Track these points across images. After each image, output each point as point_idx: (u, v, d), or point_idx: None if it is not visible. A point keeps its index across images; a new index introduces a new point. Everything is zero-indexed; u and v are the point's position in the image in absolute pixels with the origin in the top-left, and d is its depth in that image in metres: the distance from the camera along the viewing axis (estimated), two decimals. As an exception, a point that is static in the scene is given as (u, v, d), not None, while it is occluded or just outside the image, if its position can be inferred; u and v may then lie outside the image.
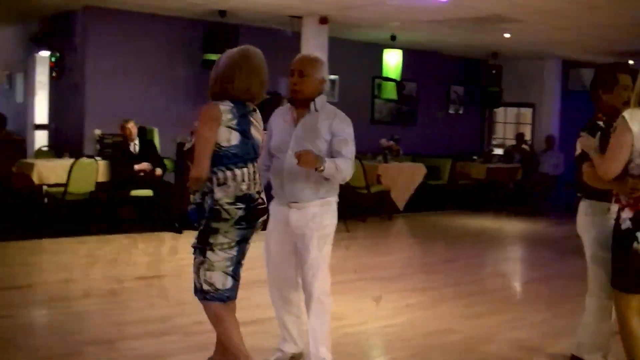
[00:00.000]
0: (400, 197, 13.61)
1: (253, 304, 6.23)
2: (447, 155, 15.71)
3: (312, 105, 4.74)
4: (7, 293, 7.22)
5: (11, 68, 16.10)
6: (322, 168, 4.53)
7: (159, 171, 11.05)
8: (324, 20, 12.45)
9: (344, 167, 4.63)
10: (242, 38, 12.64)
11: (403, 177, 13.65)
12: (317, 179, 4.68)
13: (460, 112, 18.12)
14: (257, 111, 4.64)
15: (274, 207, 4.91)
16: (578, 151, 4.94)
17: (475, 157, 16.39)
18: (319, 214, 4.77)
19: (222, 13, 12.33)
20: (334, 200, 4.86)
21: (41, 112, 14.81)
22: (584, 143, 4.78)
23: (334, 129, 4.71)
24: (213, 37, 12.57)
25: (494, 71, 16.84)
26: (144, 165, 10.94)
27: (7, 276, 8.08)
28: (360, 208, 12.65)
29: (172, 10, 12.59)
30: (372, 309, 6.92)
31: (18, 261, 8.82)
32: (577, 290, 5.46)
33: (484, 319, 6.69)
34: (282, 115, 4.94)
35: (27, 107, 15.12)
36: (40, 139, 14.78)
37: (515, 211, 14.80)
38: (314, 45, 12.47)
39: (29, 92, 15.06)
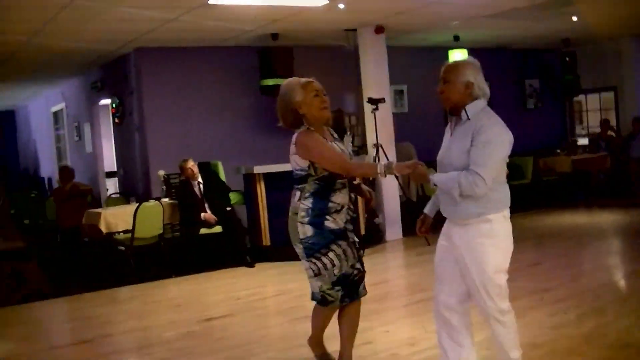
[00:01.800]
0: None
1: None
2: (529, 153, 15.06)
3: (463, 114, 4.42)
4: (69, 349, 7.09)
5: (79, 119, 16.20)
6: (432, 183, 4.39)
7: (214, 218, 10.70)
8: (379, 29, 12.04)
9: (466, 182, 4.23)
10: (297, 59, 12.38)
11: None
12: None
13: (539, 105, 17.39)
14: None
15: (445, 224, 4.65)
16: None
17: (558, 151, 15.67)
18: (481, 230, 4.40)
19: (275, 36, 12.05)
20: (500, 216, 4.43)
21: (110, 159, 14.81)
22: None
23: (474, 139, 4.31)
24: (268, 61, 12.27)
25: (567, 59, 16.11)
26: (209, 218, 10.62)
27: (70, 332, 8.02)
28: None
29: (222, 40, 12.40)
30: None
31: (87, 314, 8.67)
32: None
33: (568, 328, 6.10)
34: (448, 127, 4.64)
35: (96, 155, 15.20)
36: (112, 186, 14.78)
37: (608, 202, 14.02)
38: (372, 56, 12.10)
39: (97, 140, 15.13)
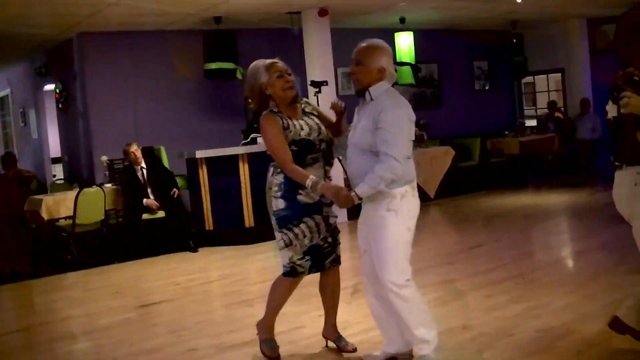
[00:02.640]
0: (430, 184, 13.12)
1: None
2: (477, 134, 15.14)
3: (367, 95, 4.60)
4: (6, 338, 6.97)
5: (24, 104, 15.99)
6: (357, 199, 4.57)
7: (157, 205, 10.59)
8: (323, 12, 11.99)
9: (381, 171, 4.42)
10: (242, 43, 12.30)
11: (430, 163, 13.14)
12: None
13: (487, 87, 17.46)
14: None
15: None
16: (613, 114, 4.40)
17: (507, 132, 15.76)
18: (384, 206, 4.56)
19: (217, 19, 11.94)
20: (402, 191, 4.56)
21: (55, 145, 14.65)
22: (634, 104, 4.18)
23: (377, 121, 4.47)
24: (213, 45, 12.15)
25: (515, 40, 16.20)
26: (151, 204, 10.53)
27: (12, 319, 8.02)
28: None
29: (166, 24, 12.28)
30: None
31: (28, 301, 8.68)
32: (615, 262, 4.79)
33: (503, 310, 6.13)
34: (357, 107, 4.82)
35: (42, 141, 15.01)
36: (59, 172, 14.64)
37: (557, 183, 14.13)
38: (317, 39, 12.07)
39: (42, 126, 14.94)
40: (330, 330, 5.38)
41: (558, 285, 6.89)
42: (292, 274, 5.03)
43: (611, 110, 4.43)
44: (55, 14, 10.76)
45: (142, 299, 7.94)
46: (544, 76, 17.88)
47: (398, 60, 14.19)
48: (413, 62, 14.22)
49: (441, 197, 13.14)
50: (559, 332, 5.37)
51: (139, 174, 10.62)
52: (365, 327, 5.77)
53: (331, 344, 5.41)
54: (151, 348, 5.99)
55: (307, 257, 5.00)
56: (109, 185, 10.92)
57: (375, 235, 4.65)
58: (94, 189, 10.39)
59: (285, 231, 4.94)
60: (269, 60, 5.02)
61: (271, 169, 5.04)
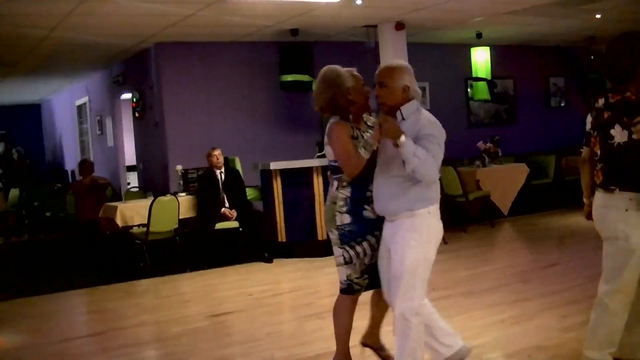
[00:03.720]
0: (503, 201, 12.93)
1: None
2: (552, 151, 14.91)
3: (398, 114, 4.62)
4: (80, 342, 7.14)
5: (101, 113, 16.27)
6: (401, 140, 4.38)
7: (233, 213, 10.69)
8: (399, 26, 11.96)
9: (423, 157, 4.39)
10: (317, 55, 12.33)
11: (504, 180, 12.96)
12: (404, 191, 4.58)
13: (562, 104, 17.20)
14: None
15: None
16: (622, 139, 4.37)
17: (582, 150, 15.41)
18: (406, 227, 4.58)
19: (294, 32, 11.99)
20: (425, 212, 4.61)
21: (131, 153, 14.87)
22: None
23: (419, 132, 4.51)
24: (288, 57, 12.21)
25: (592, 57, 15.89)
26: (228, 212, 10.62)
27: (84, 324, 8.20)
28: (460, 217, 12.04)
29: (242, 35, 12.38)
30: (455, 329, 6.34)
31: (100, 307, 8.75)
32: None
33: (577, 331, 5.95)
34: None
35: (117, 149, 15.25)
36: (134, 180, 14.84)
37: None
38: (393, 52, 12.00)
39: (118, 134, 15.19)
40: (375, 339, 5.35)
41: (633, 309, 6.67)
42: (349, 291, 4.96)
43: (620, 135, 4.36)
44: (132, 24, 10.95)
45: (214, 309, 7.99)
46: (621, 94, 17.51)
47: (474, 75, 14.08)
48: (489, 78, 14.08)
49: (514, 214, 12.94)
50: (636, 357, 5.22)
51: (218, 177, 10.72)
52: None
53: (368, 351, 5.40)
54: (222, 358, 6.02)
55: (366, 276, 4.93)
56: (183, 194, 11.03)
57: (395, 253, 4.63)
58: (168, 197, 10.50)
59: (348, 248, 4.86)
60: (347, 68, 4.99)
61: (335, 183, 4.95)
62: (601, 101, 4.52)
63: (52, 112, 21.86)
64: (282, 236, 10.63)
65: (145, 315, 8.07)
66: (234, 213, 10.59)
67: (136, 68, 13.67)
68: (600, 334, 4.66)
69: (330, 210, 4.94)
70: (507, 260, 10.10)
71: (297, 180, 10.43)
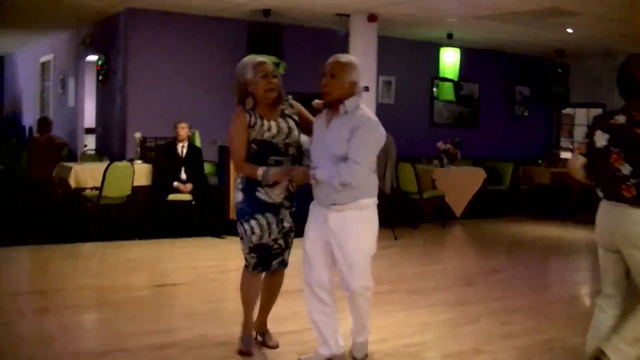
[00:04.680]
0: (457, 203, 13.01)
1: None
2: (510, 160, 15.03)
3: (341, 108, 4.81)
4: (21, 298, 7.11)
5: (65, 72, 16.08)
6: (315, 177, 4.79)
7: (187, 187, 10.64)
8: (372, 17, 11.94)
9: (344, 171, 4.67)
10: (287, 38, 12.31)
11: (460, 182, 13.03)
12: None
13: (526, 114, 17.36)
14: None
15: (313, 208, 5.08)
16: (603, 143, 4.53)
17: (540, 161, 15.62)
18: (356, 215, 4.84)
19: (267, 12, 11.94)
20: (371, 201, 4.92)
21: (91, 115, 14.72)
22: None
23: (354, 131, 4.72)
24: (257, 37, 12.15)
25: (560, 70, 16.06)
26: (182, 187, 10.57)
27: (27, 281, 8.20)
28: (412, 214, 12.11)
29: (215, 11, 12.28)
30: (397, 325, 6.40)
31: (43, 265, 8.71)
32: (633, 303, 4.75)
33: (516, 339, 6.05)
34: (320, 117, 5.06)
35: (77, 111, 15.10)
36: (91, 142, 14.70)
37: (584, 218, 13.93)
38: (362, 44, 12.01)
39: (80, 96, 15.03)
40: (259, 325, 5.56)
41: (573, 321, 6.75)
42: (245, 267, 5.29)
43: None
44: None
45: (158, 279, 8.00)
46: (584, 109, 17.70)
47: (441, 75, 14.13)
48: (456, 79, 14.15)
49: (467, 217, 13.02)
50: None
51: (179, 150, 10.67)
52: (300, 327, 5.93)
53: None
54: (162, 329, 5.99)
55: (253, 255, 5.17)
56: (139, 162, 10.96)
57: (346, 244, 4.84)
58: (124, 163, 10.42)
59: (239, 224, 5.14)
60: (258, 59, 5.18)
61: None
62: (621, 118, 4.55)
63: (15, 66, 21.58)
64: (233, 214, 10.58)
65: (88, 278, 8.02)
66: (188, 187, 10.54)
67: (104, 31, 13.52)
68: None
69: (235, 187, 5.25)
70: (454, 261, 10.18)
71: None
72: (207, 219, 10.61)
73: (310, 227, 5.05)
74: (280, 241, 5.22)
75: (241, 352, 5.34)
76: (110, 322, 6.24)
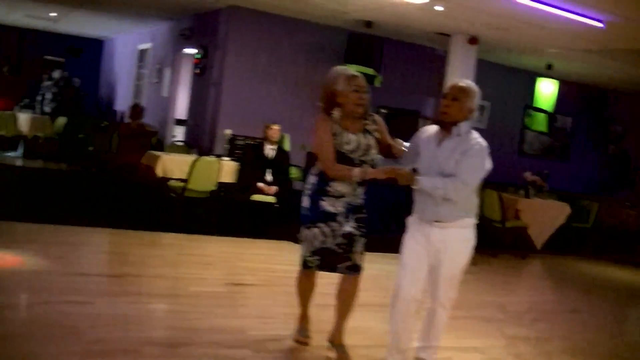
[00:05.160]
0: (539, 236, 12.76)
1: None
2: (597, 197, 14.71)
3: (454, 130, 4.92)
4: (98, 279, 7.29)
5: (162, 62, 16.32)
6: (418, 184, 4.87)
7: (271, 189, 10.64)
8: (473, 40, 11.86)
9: (451, 187, 4.82)
10: (386, 51, 12.27)
11: (544, 215, 12.78)
12: (456, 200, 4.92)
13: (618, 152, 16.97)
14: None
15: (413, 222, 5.16)
16: None
17: (627, 204, 15.25)
18: (458, 233, 5.02)
19: (368, 24, 11.92)
20: (472, 221, 5.08)
21: (182, 107, 14.90)
22: None
23: (465, 153, 4.87)
24: (356, 47, 12.16)
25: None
26: (265, 188, 10.59)
27: (106, 263, 8.34)
28: (493, 242, 11.94)
29: (316, 17, 12.35)
30: (470, 352, 6.30)
31: (122, 250, 8.79)
32: None
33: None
34: (429, 135, 5.10)
35: (170, 101, 15.30)
36: (179, 133, 14.88)
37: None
38: (461, 66, 11.91)
39: (174, 86, 15.23)
40: (334, 335, 5.54)
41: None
42: (303, 265, 5.43)
43: None
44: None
45: (234, 277, 8.02)
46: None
47: (535, 105, 13.95)
48: (551, 111, 13.94)
49: (547, 251, 12.78)
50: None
51: (267, 152, 10.70)
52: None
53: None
54: (234, 327, 5.99)
55: (317, 257, 5.31)
56: (227, 158, 11.03)
57: (446, 260, 5.02)
58: (212, 158, 10.53)
59: (302, 227, 5.32)
60: (351, 72, 5.23)
61: (311, 169, 5.39)
62: None
63: (114, 51, 22.03)
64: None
65: (165, 268, 8.08)
66: (272, 189, 10.56)
67: (205, 25, 13.69)
68: None
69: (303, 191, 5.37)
70: (531, 295, 10.00)
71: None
72: (288, 223, 10.60)
73: (409, 241, 5.14)
74: (345, 245, 5.25)
75: (297, 341, 5.62)
76: (182, 315, 6.26)
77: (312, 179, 5.31)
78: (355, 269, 5.35)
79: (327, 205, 5.18)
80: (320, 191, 5.18)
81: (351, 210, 5.22)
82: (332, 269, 5.34)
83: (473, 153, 4.85)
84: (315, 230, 5.23)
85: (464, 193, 4.90)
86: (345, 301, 5.46)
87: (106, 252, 8.96)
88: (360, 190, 5.28)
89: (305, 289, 5.64)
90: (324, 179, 5.18)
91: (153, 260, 8.41)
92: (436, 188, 4.83)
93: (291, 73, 12.83)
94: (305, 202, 5.29)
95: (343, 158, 5.10)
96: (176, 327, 5.90)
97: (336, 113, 5.14)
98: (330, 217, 5.21)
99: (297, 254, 9.13)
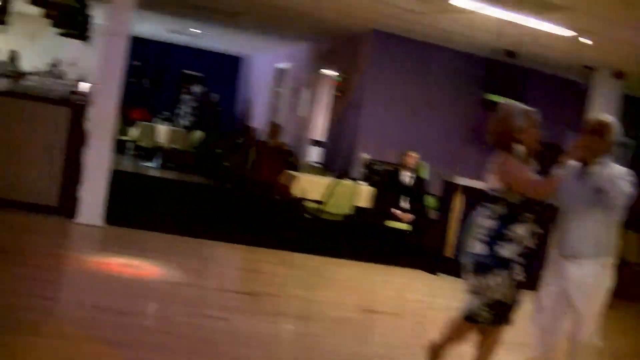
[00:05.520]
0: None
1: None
2: None
3: (596, 163, 4.87)
4: (235, 296, 7.41)
5: (300, 82, 16.53)
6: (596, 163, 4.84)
7: (407, 217, 10.64)
8: (619, 74, 11.54)
9: (624, 186, 4.74)
10: (529, 83, 12.09)
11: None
12: (596, 237, 4.89)
13: None
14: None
15: (552, 257, 5.13)
16: None
17: None
18: (596, 270, 4.92)
19: (510, 53, 11.76)
20: (611, 260, 4.95)
21: (320, 128, 15.04)
22: None
23: (611, 182, 4.78)
24: (495, 76, 12.02)
25: None
26: (402, 216, 10.60)
27: (241, 280, 8.51)
28: (631, 286, 11.48)
29: (458, 44, 12.31)
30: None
31: (257, 267, 8.98)
32: None
33: None
34: (571, 169, 5.00)
35: (307, 121, 15.44)
36: (315, 154, 15.00)
37: None
38: (604, 100, 11.62)
39: (311, 107, 15.37)
40: None
41: None
42: (469, 319, 5.04)
43: None
44: (355, 5, 11.06)
45: (367, 304, 8.02)
46: None
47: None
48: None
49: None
50: None
51: (403, 178, 10.73)
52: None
53: None
54: (365, 355, 6.04)
55: (492, 311, 4.97)
56: (363, 183, 11.10)
57: (583, 297, 4.93)
58: (350, 182, 10.60)
59: (479, 277, 4.93)
60: (528, 108, 5.08)
61: (484, 211, 4.99)
62: None
63: (251, 68, 22.42)
64: (451, 251, 10.45)
65: (299, 289, 8.20)
66: (408, 216, 10.56)
67: (346, 48, 13.82)
68: None
69: (471, 235, 5.04)
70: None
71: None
72: (422, 252, 10.56)
73: (548, 276, 5.12)
74: (517, 297, 5.04)
75: None
76: (315, 338, 6.34)
77: (488, 223, 4.91)
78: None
79: (505, 251, 4.87)
80: (499, 236, 4.87)
81: (526, 255, 4.99)
82: (506, 321, 5.08)
83: (618, 173, 4.81)
84: (495, 278, 4.89)
85: (620, 200, 4.77)
86: (489, 347, 5.23)
87: (241, 269, 9.14)
88: (537, 233, 5.02)
89: (459, 339, 5.24)
90: (504, 223, 4.88)
91: (287, 280, 8.56)
92: (608, 181, 4.75)
93: (430, 99, 12.79)
94: (480, 247, 4.91)
95: (527, 200, 4.93)
96: (308, 350, 5.99)
97: (519, 149, 4.98)
98: (509, 264, 4.90)
99: (430, 285, 9.17)
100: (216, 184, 15.48)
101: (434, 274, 10.11)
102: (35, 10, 12.32)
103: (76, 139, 9.08)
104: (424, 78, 12.84)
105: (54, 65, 17.89)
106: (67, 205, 9.04)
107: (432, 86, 12.86)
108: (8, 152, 8.91)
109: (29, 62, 17.38)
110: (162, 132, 17.01)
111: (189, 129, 17.83)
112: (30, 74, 14.34)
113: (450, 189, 10.52)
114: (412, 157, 10.68)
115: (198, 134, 17.13)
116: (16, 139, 8.97)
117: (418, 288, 9.39)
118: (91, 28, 14.80)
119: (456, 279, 9.82)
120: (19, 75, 7.84)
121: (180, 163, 17.22)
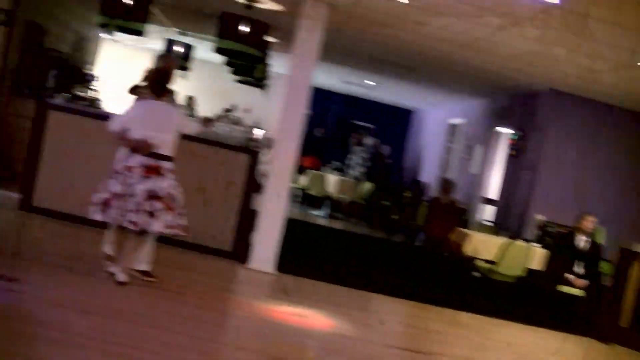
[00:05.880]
0: None
1: None
2: None
3: None
4: (405, 354, 7.29)
5: (473, 139, 16.38)
6: None
7: (581, 283, 10.23)
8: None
9: None
10: None
11: None
12: None
13: None
14: None
15: None
16: None
17: None
18: None
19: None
20: None
21: (493, 186, 14.81)
22: None
23: None
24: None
25: None
26: (576, 281, 10.22)
27: (406, 336, 8.40)
28: None
29: (631, 102, 11.87)
30: None
31: (423, 325, 8.85)
32: None
33: None
34: None
35: (480, 179, 15.24)
36: (487, 212, 14.77)
37: None
38: None
39: (485, 165, 15.17)
40: None
41: None
42: None
43: None
44: (535, 64, 10.92)
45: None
46: None
47: None
48: None
49: None
50: None
51: (578, 242, 10.37)
52: None
53: None
54: None
55: None
56: (537, 245, 10.81)
57: None
58: (523, 243, 10.36)
59: None
60: None
61: None
62: None
63: (423, 122, 22.43)
64: (626, 321, 9.96)
65: (470, 351, 7.97)
66: (581, 282, 10.17)
67: (523, 106, 13.62)
68: None
69: None
70: None
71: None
72: (596, 320, 10.12)
73: None
74: None
75: None
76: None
77: None
78: None
79: None
80: None
81: None
82: None
83: None
84: None
85: None
86: None
87: (409, 325, 9.03)
88: None
89: None
90: None
91: (457, 340, 8.37)
92: None
93: (608, 162, 12.41)
94: None
95: None
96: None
97: None
98: None
99: (603, 356, 8.74)
100: (384, 236, 15.45)
101: (607, 343, 9.64)
102: (215, 57, 12.70)
103: (252, 185, 9.27)
104: (602, 140, 12.49)
105: (229, 110, 18.47)
106: (240, 250, 9.22)
107: (609, 147, 12.49)
108: (192, 194, 9.18)
109: (204, 107, 17.99)
110: (332, 181, 17.16)
111: (359, 179, 17.91)
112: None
113: (627, 256, 10.06)
114: (590, 221, 10.31)
115: (367, 186, 17.18)
116: (199, 184, 9.21)
117: (593, 357, 8.97)
118: (269, 76, 15.21)
119: (631, 350, 9.46)
120: (209, 121, 8.06)
121: (348, 213, 17.30)
